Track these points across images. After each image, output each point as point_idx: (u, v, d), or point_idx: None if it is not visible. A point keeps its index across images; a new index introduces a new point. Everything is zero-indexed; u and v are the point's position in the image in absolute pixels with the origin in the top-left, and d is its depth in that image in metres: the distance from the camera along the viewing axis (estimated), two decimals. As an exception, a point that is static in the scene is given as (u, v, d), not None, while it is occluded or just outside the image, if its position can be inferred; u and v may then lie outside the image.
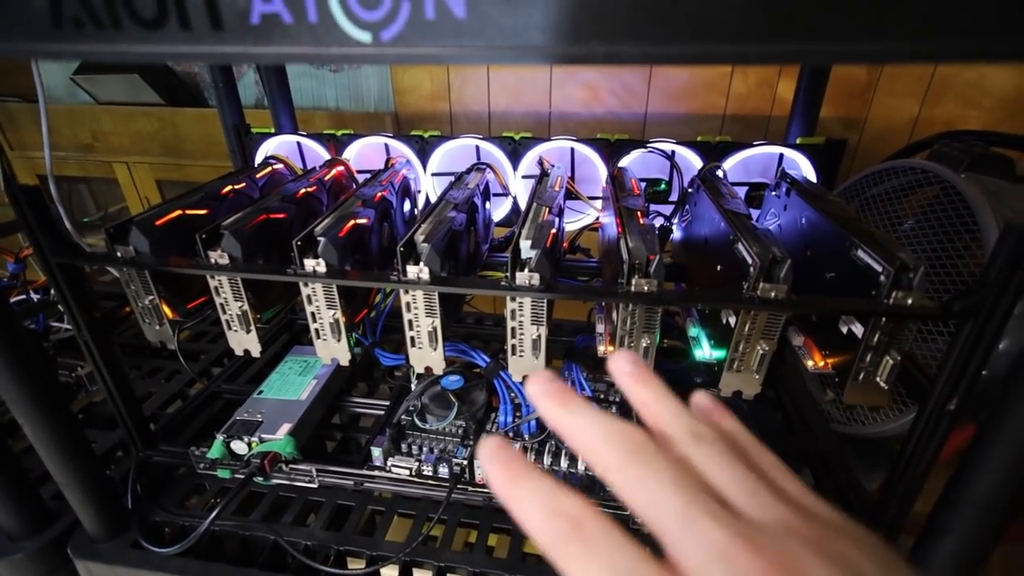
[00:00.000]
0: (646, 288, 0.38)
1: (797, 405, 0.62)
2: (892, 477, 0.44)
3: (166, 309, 0.48)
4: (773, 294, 0.37)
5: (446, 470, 0.51)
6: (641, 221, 0.45)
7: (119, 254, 0.44)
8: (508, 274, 0.40)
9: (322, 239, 0.42)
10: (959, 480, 0.38)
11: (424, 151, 0.67)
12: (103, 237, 0.44)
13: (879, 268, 0.35)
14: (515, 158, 0.66)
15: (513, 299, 0.41)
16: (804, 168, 0.61)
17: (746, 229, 0.41)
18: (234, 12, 0.21)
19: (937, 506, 0.40)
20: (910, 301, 0.35)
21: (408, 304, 0.43)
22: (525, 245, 0.40)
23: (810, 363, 0.43)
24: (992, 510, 0.37)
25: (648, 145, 0.62)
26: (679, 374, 0.56)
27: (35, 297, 0.73)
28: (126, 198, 1.36)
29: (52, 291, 0.72)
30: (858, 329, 0.38)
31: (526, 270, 0.39)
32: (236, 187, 0.56)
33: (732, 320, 0.40)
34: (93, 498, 0.48)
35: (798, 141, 0.61)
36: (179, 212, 0.48)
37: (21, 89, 1.31)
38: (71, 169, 1.33)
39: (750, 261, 0.37)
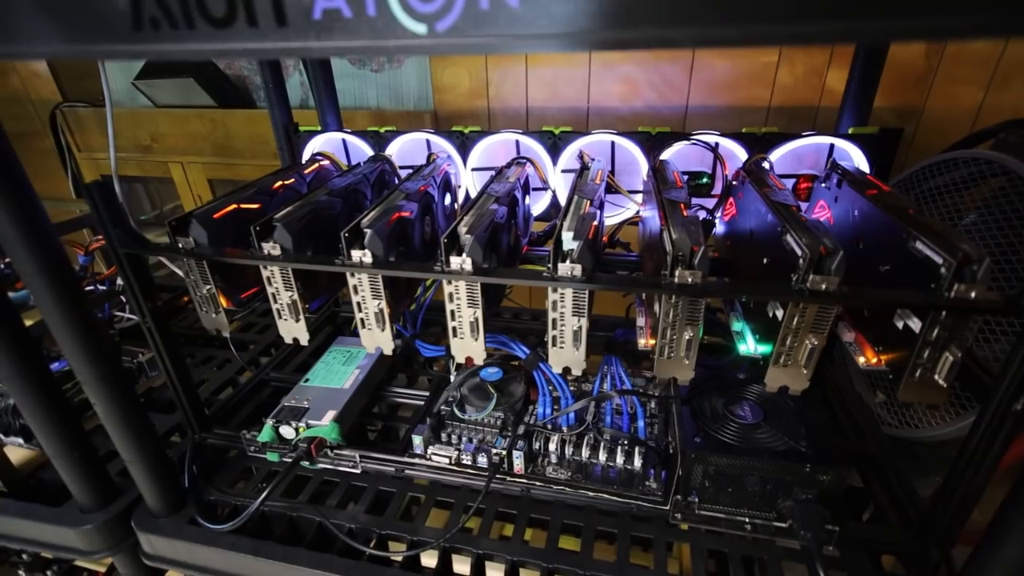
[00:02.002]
0: (690, 280, 0.37)
1: (845, 406, 0.60)
2: (948, 482, 0.42)
3: (222, 298, 0.50)
4: (824, 286, 0.36)
5: (485, 460, 0.52)
6: (684, 213, 0.44)
7: (180, 245, 0.47)
8: (550, 265, 0.40)
9: (368, 230, 0.43)
10: (1025, 486, 0.36)
11: (464, 146, 0.68)
12: (160, 233, 0.47)
13: (939, 260, 0.34)
14: (555, 152, 0.66)
15: (555, 290, 0.41)
16: (856, 159, 0.58)
17: (795, 220, 0.40)
18: (298, 9, 0.22)
19: (999, 514, 0.37)
20: (973, 294, 0.33)
21: (451, 295, 0.44)
22: (567, 236, 0.41)
23: (862, 360, 0.41)
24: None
25: (691, 137, 0.61)
26: (722, 370, 0.55)
27: (101, 288, 0.77)
28: (180, 196, 1.44)
29: (117, 282, 0.77)
30: (915, 324, 0.36)
31: (568, 261, 0.39)
32: (286, 182, 0.58)
33: (779, 313, 0.39)
34: (155, 476, 0.51)
35: (850, 131, 0.58)
36: (234, 206, 0.51)
37: (87, 94, 1.39)
38: (131, 169, 1.41)
39: (800, 252, 0.36)
